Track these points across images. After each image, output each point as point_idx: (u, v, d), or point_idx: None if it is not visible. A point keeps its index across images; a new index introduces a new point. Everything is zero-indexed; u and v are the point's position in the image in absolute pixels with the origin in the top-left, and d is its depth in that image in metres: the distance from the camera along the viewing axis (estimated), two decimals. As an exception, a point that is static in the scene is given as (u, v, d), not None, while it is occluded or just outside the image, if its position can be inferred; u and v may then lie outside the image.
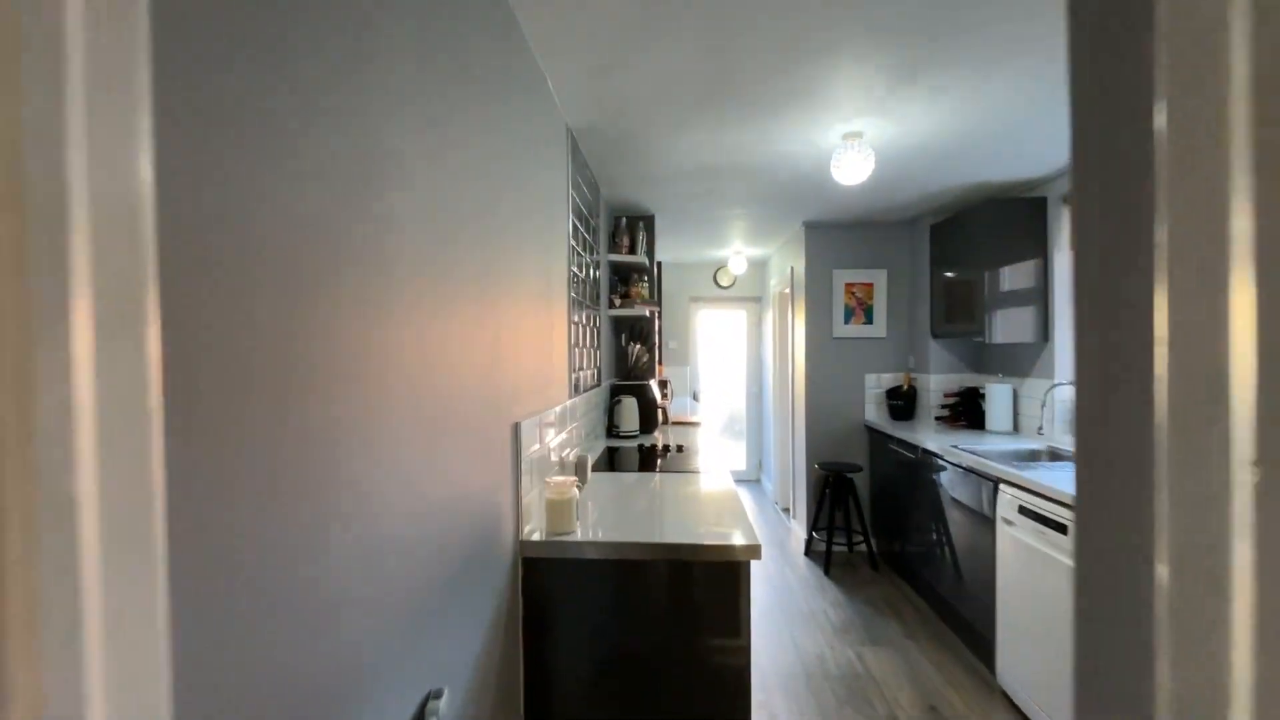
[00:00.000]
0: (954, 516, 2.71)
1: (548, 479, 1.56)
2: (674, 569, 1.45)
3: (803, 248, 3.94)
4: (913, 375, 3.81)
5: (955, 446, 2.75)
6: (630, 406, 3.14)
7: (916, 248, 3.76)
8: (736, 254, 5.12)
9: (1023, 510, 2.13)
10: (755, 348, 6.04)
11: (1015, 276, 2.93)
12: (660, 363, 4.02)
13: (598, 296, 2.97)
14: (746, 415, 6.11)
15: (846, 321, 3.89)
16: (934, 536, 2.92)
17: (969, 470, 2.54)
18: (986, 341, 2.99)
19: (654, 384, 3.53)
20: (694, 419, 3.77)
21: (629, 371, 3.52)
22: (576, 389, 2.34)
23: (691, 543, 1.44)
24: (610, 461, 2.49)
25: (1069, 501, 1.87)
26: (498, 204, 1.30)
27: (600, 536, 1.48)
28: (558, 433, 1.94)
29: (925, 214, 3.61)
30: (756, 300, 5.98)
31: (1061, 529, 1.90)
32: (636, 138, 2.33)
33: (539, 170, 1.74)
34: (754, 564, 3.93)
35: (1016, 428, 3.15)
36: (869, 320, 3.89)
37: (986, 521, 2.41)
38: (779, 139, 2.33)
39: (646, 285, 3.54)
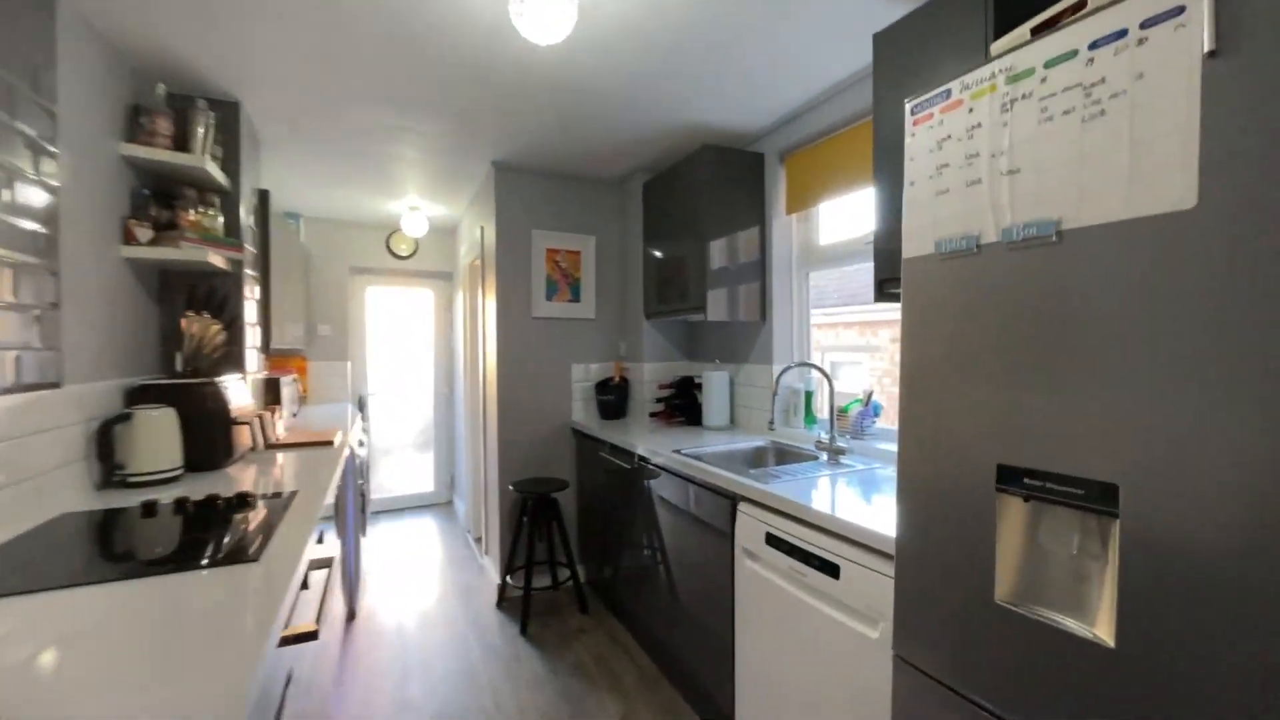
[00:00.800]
0: (679, 541, 2.08)
1: None
2: None
3: (494, 199, 2.97)
4: (625, 365, 3.21)
5: (678, 452, 2.12)
6: (155, 427, 1.67)
7: (628, 210, 3.15)
8: (413, 210, 3.86)
9: (772, 541, 1.53)
10: (446, 337, 4.85)
11: (735, 245, 2.49)
12: (265, 350, 2.55)
13: (55, 221, 1.44)
14: (435, 422, 4.87)
15: (549, 298, 3.07)
16: (654, 566, 2.27)
17: (697, 483, 1.91)
18: (705, 319, 2.48)
19: (237, 383, 2.09)
20: (327, 436, 2.43)
21: (188, 361, 2.01)
22: None
23: None
24: (96, 545, 1.07)
25: (844, 533, 1.29)
26: None
27: None
28: None
29: (638, 170, 3.01)
30: (447, 277, 4.80)
31: (832, 571, 1.32)
32: None
33: None
34: (431, 636, 2.79)
35: (734, 420, 2.76)
36: (576, 297, 3.14)
37: (723, 544, 1.80)
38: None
39: (218, 216, 2.07)
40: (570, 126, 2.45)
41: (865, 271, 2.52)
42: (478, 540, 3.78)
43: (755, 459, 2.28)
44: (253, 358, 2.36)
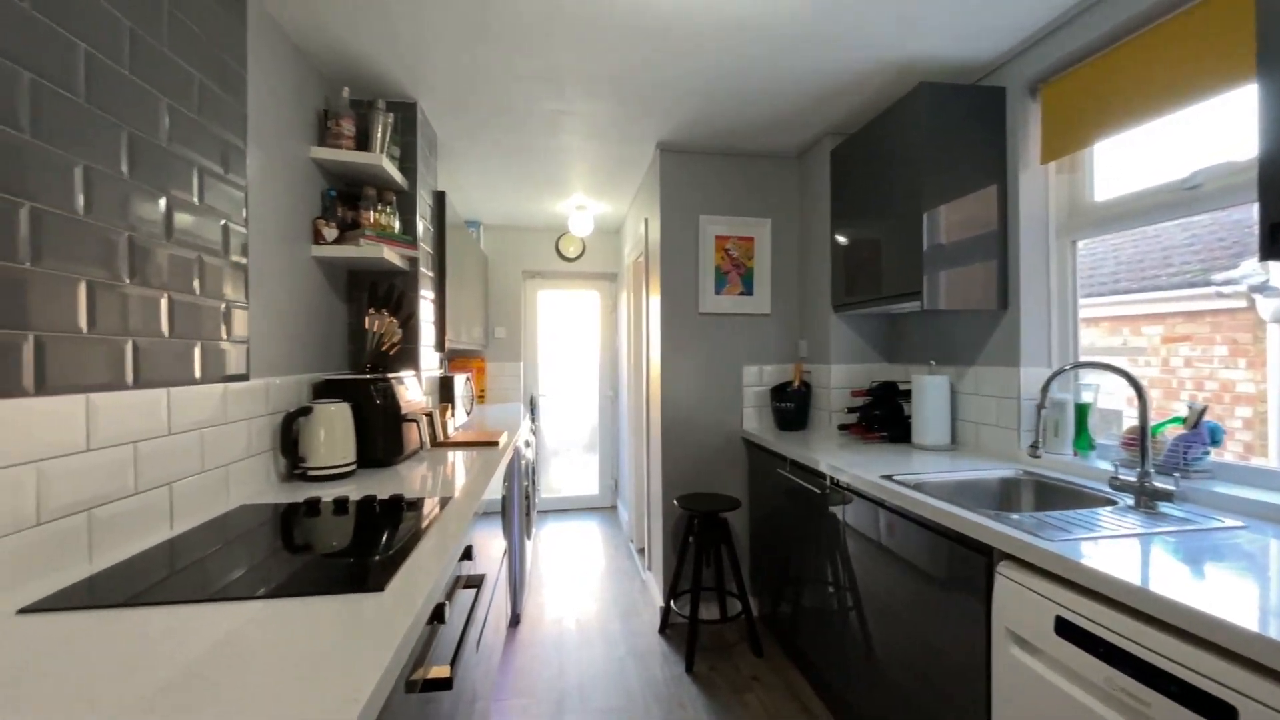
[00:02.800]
0: (888, 591, 1.59)
1: None
2: None
3: (658, 184, 2.73)
4: (806, 367, 2.75)
5: (890, 478, 1.64)
6: (332, 422, 1.67)
7: (810, 187, 2.70)
8: (580, 209, 3.82)
9: (1069, 631, 1.00)
10: (610, 338, 4.79)
11: (962, 213, 1.91)
12: (440, 349, 2.59)
13: (244, 219, 1.48)
14: (600, 424, 4.83)
15: (719, 290, 2.73)
16: (846, 614, 1.81)
17: (923, 524, 1.42)
18: (920, 309, 1.94)
19: (411, 379, 2.09)
20: (493, 437, 2.38)
21: (370, 357, 2.05)
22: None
23: None
24: (242, 550, 1.01)
25: (1252, 654, 0.75)
26: None
27: None
28: None
29: (823, 135, 2.55)
30: (611, 278, 4.74)
31: (1217, 714, 0.77)
32: None
33: None
34: (590, 657, 2.02)
35: (955, 438, 2.15)
36: (748, 289, 2.76)
37: (967, 615, 1.29)
38: None
39: (395, 215, 2.09)
40: (747, 84, 2.10)
41: (1159, 236, 1.78)
42: (640, 552, 3.58)
43: (1005, 496, 1.69)
44: (428, 355, 2.39)
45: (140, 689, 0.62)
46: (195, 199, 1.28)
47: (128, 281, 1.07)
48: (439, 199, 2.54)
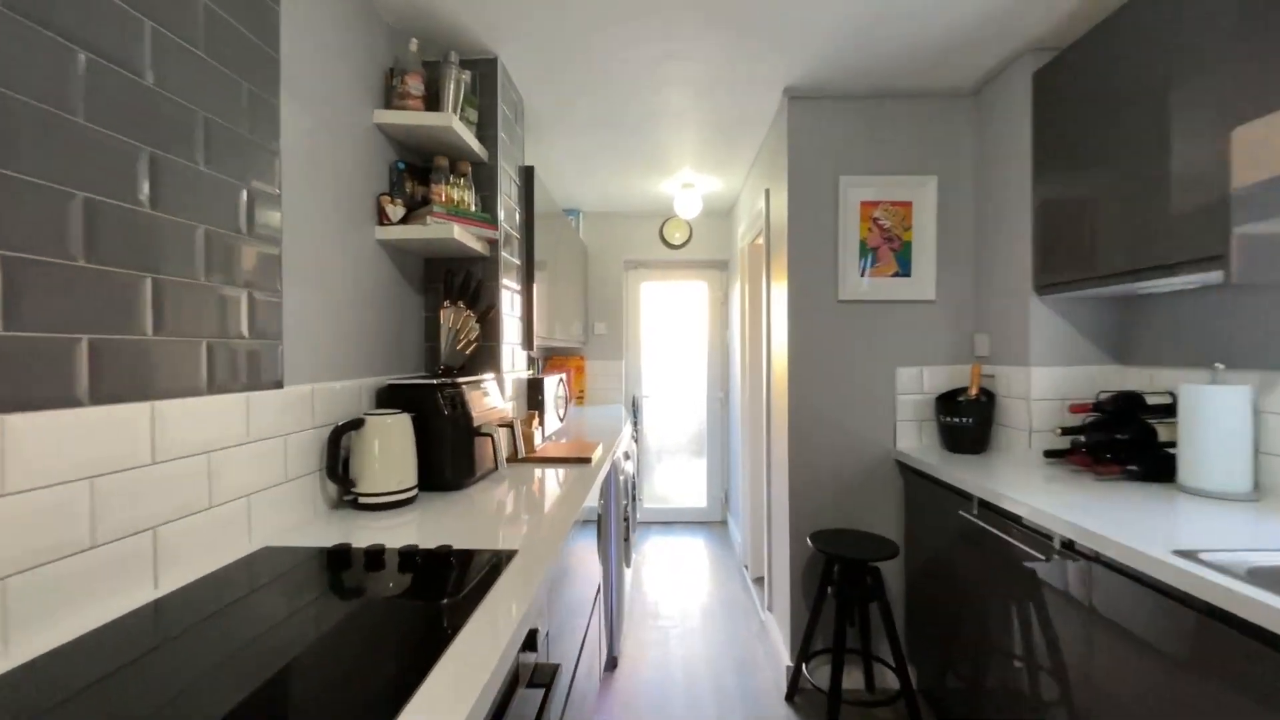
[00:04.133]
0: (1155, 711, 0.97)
1: None
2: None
3: (784, 142, 2.20)
4: (987, 369, 2.09)
5: (1197, 559, 1.01)
6: (388, 437, 1.36)
7: (997, 131, 2.02)
8: (686, 188, 3.37)
9: None
10: (720, 334, 4.30)
11: (1268, 142, 1.20)
12: (528, 347, 2.26)
13: (276, 184, 1.20)
14: (708, 429, 4.35)
15: (865, 271, 2.15)
16: (1059, 705, 1.19)
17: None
18: (1225, 283, 1.27)
19: (490, 383, 1.77)
20: (585, 453, 2.00)
21: (445, 357, 1.75)
22: None
23: None
24: (238, 627, 0.70)
25: None
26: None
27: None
28: None
29: (1016, 55, 1.88)
30: (722, 266, 4.23)
31: None
32: None
33: None
34: None
35: (1255, 483, 1.42)
36: (904, 269, 2.15)
37: None
38: None
39: (470, 189, 1.77)
40: (918, -15, 1.52)
41: None
42: (758, 581, 3.07)
43: None
44: (512, 355, 2.07)
45: None
46: (200, 163, 0.99)
47: (80, 261, 0.79)
48: (526, 175, 2.21)
